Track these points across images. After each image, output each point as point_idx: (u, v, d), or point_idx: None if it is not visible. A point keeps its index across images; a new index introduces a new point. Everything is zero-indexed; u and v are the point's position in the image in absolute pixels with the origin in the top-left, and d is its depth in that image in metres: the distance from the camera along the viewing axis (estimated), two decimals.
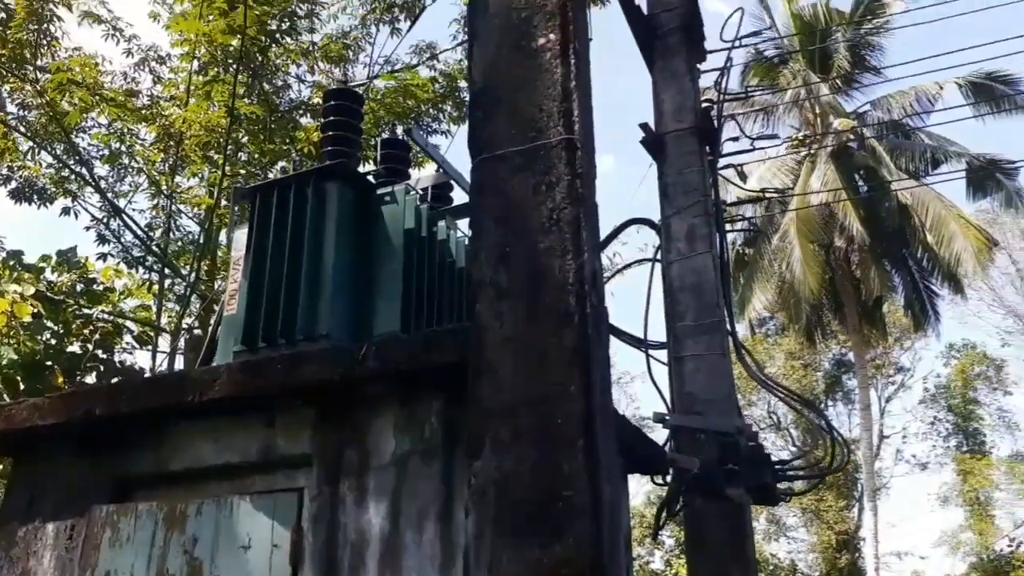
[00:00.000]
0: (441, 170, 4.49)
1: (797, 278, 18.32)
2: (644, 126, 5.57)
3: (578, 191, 2.34)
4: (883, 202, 17.87)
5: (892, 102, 18.67)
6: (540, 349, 2.12)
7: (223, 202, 9.13)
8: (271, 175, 9.33)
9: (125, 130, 9.74)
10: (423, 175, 4.77)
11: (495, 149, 2.50)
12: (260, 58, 7.98)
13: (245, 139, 9.30)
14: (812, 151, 18.70)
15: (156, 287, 10.03)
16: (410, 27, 9.22)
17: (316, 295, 3.37)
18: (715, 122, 5.87)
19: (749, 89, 17.43)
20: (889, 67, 18.26)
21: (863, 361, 21.08)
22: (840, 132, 17.90)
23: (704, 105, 6.01)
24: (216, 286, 10.02)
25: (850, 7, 19.17)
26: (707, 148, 5.76)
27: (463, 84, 10.43)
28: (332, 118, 4.13)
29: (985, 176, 17.43)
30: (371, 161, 4.83)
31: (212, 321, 4.98)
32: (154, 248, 10.25)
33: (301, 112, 10.41)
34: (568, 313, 2.15)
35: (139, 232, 10.19)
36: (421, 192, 4.22)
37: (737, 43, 6.13)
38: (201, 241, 10.17)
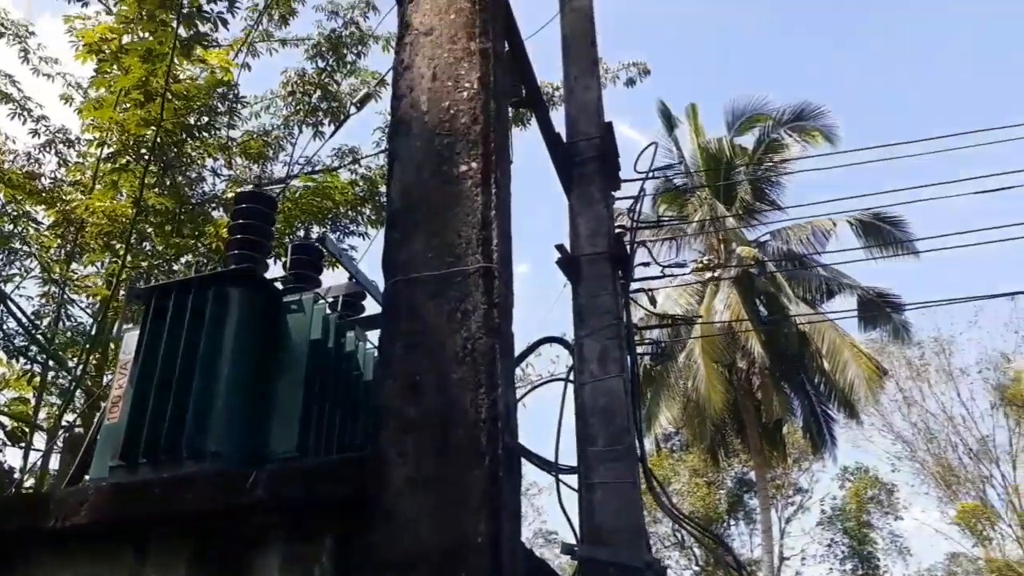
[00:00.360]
0: (354, 280, 4.37)
1: (702, 396, 18.68)
2: (560, 247, 5.63)
3: (495, 321, 2.26)
4: (783, 328, 18.64)
5: (791, 234, 19.81)
6: (446, 492, 1.97)
7: (121, 293, 8.67)
8: (176, 268, 8.97)
9: (20, 212, 9.25)
10: (335, 283, 4.64)
11: (411, 272, 2.41)
12: (174, 151, 7.78)
13: (151, 230, 8.96)
14: (717, 276, 19.49)
15: (37, 379, 9.31)
16: (333, 132, 9.25)
17: (207, 409, 3.12)
18: (628, 248, 6.00)
19: (661, 218, 18.23)
20: (791, 206, 19.41)
21: (764, 481, 21.41)
22: (742, 261, 18.75)
23: (617, 231, 6.15)
24: (104, 381, 9.39)
25: (752, 145, 20.53)
26: (620, 273, 5.86)
27: (384, 188, 10.45)
28: (242, 221, 3.99)
29: (875, 309, 18.47)
30: (282, 265, 4.67)
31: (95, 421, 4.59)
32: (39, 337, 9.58)
33: (213, 206, 10.16)
34: (479, 453, 2.02)
35: (24, 320, 9.52)
36: (331, 301, 4.07)
37: (650, 175, 6.37)
38: (92, 333, 9.58)
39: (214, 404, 3.12)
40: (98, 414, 5.07)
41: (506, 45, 3.06)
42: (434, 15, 2.77)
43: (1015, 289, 29.88)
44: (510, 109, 4.99)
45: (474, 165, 2.51)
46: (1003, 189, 7.67)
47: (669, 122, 21.20)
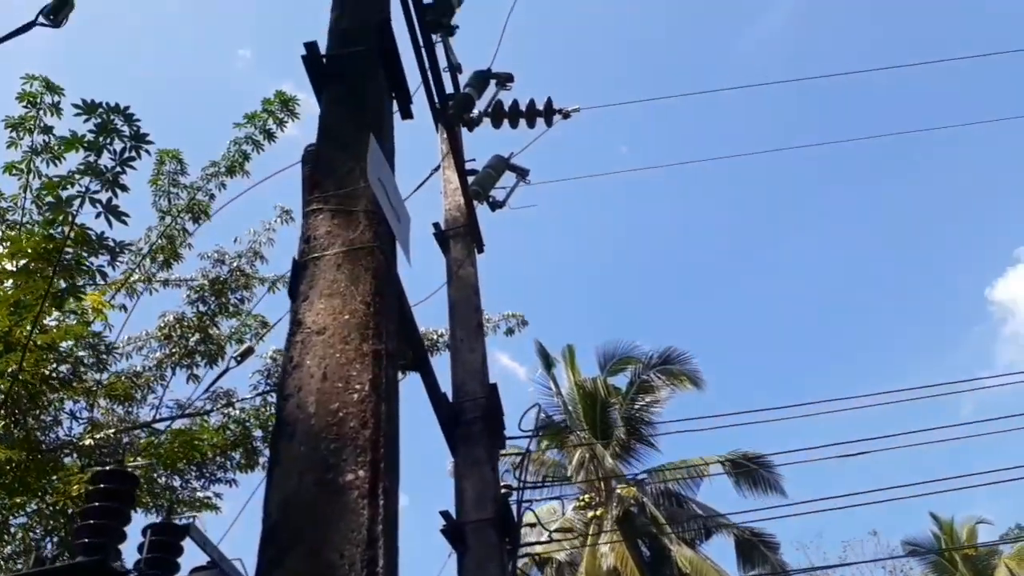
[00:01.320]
0: (218, 569, 3.97)
1: None
2: (445, 515, 5.44)
3: None
4: (664, 568, 18.30)
5: (667, 473, 20.11)
6: None
7: None
8: (13, 529, 7.97)
9: None
10: (197, 566, 4.20)
11: None
12: (27, 403, 7.20)
13: None
14: (598, 515, 19.27)
15: None
16: (212, 383, 8.93)
17: None
18: (514, 510, 5.86)
19: (545, 478, 18.30)
20: (663, 440, 19.92)
21: None
22: (623, 500, 18.73)
23: (504, 490, 6.03)
24: None
25: (624, 385, 21.36)
26: (506, 539, 5.67)
27: (258, 433, 9.98)
28: (96, 504, 3.63)
29: (752, 548, 18.56)
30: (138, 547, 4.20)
31: None
32: None
33: (67, 452, 9.31)
34: None
35: None
36: None
37: (536, 433, 6.39)
38: None
39: None
40: None
41: (412, 338, 3.09)
42: (328, 315, 2.79)
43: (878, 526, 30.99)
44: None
45: (361, 474, 2.41)
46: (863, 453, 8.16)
47: (547, 361, 21.91)
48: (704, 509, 19.71)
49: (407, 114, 4.04)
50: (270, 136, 9.85)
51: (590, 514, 19.85)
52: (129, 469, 5.51)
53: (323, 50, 3.85)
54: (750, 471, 18.49)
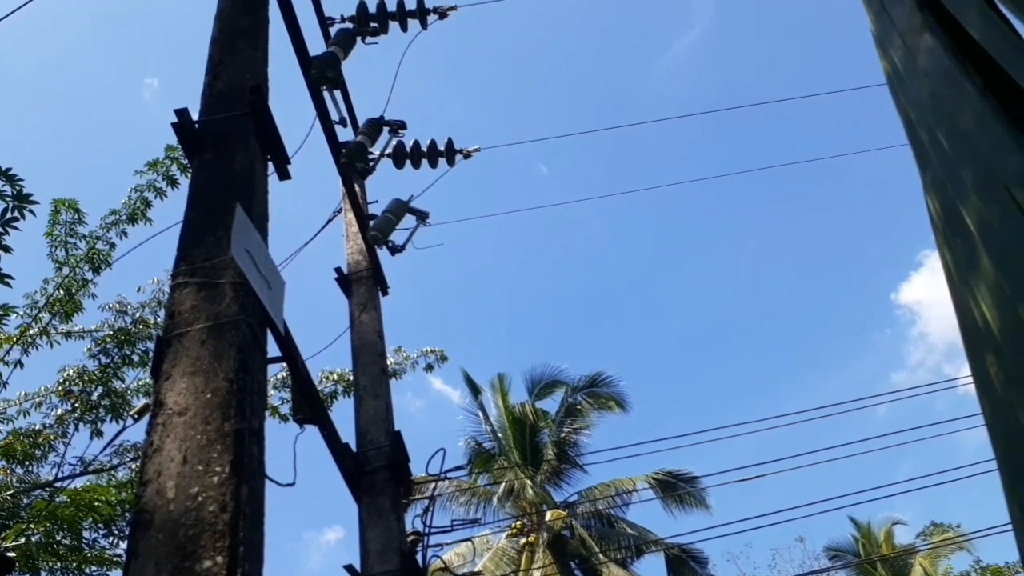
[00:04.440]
0: None
1: None
2: (350, 568, 5.38)
3: None
4: None
5: (596, 493, 20.27)
6: None
7: None
8: None
9: None
10: None
11: None
12: None
13: None
14: (530, 540, 19.25)
15: None
16: (114, 437, 8.61)
17: None
18: (419, 559, 5.83)
19: (455, 521, 18.15)
20: (591, 463, 20.06)
21: None
22: (552, 524, 18.76)
23: (411, 537, 5.99)
24: None
25: (553, 409, 21.50)
26: None
27: None
28: None
29: (682, 564, 18.83)
30: None
31: None
32: None
33: None
34: None
35: None
36: None
37: (443, 476, 6.38)
38: None
39: None
40: None
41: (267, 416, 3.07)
42: (190, 394, 2.75)
43: (803, 531, 31.88)
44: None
45: (219, 560, 2.38)
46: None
47: (474, 389, 21.90)
48: (634, 528, 19.92)
49: (284, 175, 4.03)
50: (173, 183, 9.65)
51: (522, 541, 19.84)
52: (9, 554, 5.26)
53: (196, 115, 3.83)
54: (676, 489, 18.80)
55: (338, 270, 7.08)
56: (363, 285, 6.93)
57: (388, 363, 6.68)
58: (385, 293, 7.21)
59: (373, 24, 6.92)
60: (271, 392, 10.56)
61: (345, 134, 7.07)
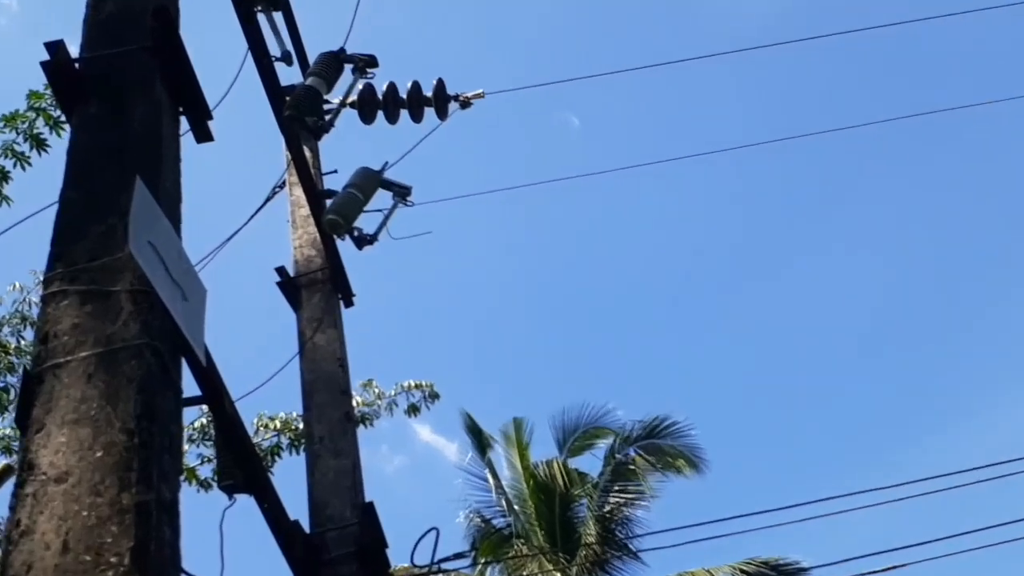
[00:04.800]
0: None
1: None
2: None
3: None
4: None
5: None
6: None
7: None
8: None
9: None
10: None
11: None
12: None
13: None
14: None
15: None
16: None
17: None
18: None
19: None
20: (649, 548, 20.07)
21: None
22: None
23: None
24: None
25: (596, 470, 21.47)
26: None
27: None
28: None
29: None
30: None
31: None
32: None
33: None
34: None
35: None
36: None
37: (436, 567, 6.45)
38: None
39: None
40: None
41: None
42: (72, 453, 2.77)
43: None
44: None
45: None
46: None
47: (479, 441, 21.88)
48: None
49: (204, 135, 4.08)
50: (41, 145, 9.76)
51: None
52: None
53: (77, 51, 3.88)
54: None
55: (281, 271, 7.10)
56: (317, 292, 6.97)
57: (355, 404, 6.74)
58: (349, 303, 7.24)
59: None
60: (187, 447, 10.65)
61: (292, 75, 7.13)
